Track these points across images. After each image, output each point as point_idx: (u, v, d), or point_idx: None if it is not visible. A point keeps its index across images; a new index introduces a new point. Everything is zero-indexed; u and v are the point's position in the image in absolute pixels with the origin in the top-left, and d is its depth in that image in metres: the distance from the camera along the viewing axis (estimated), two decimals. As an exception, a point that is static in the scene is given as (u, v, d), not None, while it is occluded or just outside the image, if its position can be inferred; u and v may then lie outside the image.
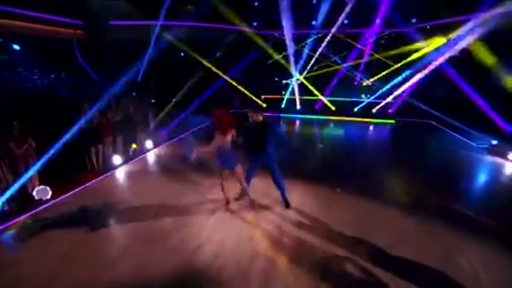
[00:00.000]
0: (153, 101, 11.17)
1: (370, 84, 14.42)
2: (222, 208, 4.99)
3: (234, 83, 12.97)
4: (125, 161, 7.09)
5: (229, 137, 4.55)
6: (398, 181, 6.17)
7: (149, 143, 8.13)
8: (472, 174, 6.86)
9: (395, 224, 4.57)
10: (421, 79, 11.32)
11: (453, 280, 3.39)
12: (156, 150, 8.17)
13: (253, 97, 13.26)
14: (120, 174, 6.60)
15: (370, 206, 5.07)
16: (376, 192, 5.61)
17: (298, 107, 12.80)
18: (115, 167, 6.76)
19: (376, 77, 14.18)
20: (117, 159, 6.86)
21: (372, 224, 4.53)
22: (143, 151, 7.93)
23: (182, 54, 13.78)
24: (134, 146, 7.64)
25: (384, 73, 13.83)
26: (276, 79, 15.08)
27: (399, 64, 12.60)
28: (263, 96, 13.71)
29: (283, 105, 13.06)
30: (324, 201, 5.23)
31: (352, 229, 4.37)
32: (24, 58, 10.06)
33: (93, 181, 6.05)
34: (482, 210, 4.98)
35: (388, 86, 12.03)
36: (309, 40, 14.08)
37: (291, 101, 12.95)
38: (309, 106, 12.77)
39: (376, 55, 13.63)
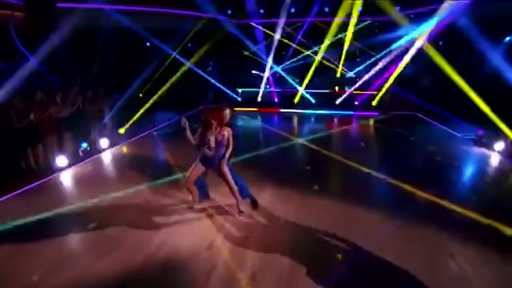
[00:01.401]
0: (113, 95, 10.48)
1: (353, 76, 14.31)
2: (183, 211, 4.49)
3: (206, 75, 12.41)
4: (73, 163, 6.41)
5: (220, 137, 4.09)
6: (380, 179, 5.86)
7: (104, 142, 7.47)
8: (458, 167, 6.65)
9: (378, 227, 4.20)
10: (405, 68, 11.25)
11: (441, 285, 3.06)
12: (113, 150, 7.51)
13: (227, 91, 12.75)
14: (65, 176, 5.92)
15: (350, 208, 4.67)
16: (356, 192, 5.26)
17: (276, 100, 12.42)
18: (60, 169, 6.07)
19: (358, 68, 14.10)
20: (62, 160, 6.17)
21: (351, 228, 4.13)
22: (97, 151, 7.26)
23: (147, 44, 13.11)
24: (85, 145, 6.95)
25: (367, 63, 13.76)
26: (254, 71, 14.68)
27: (382, 53, 12.53)
28: (240, 90, 13.26)
29: (259, 99, 12.63)
30: (298, 204, 4.82)
31: (329, 234, 3.97)
32: None
33: (29, 185, 5.35)
34: (470, 205, 4.71)
35: (367, 76, 11.89)
36: (287, 29, 13.82)
37: (268, 94, 12.55)
38: (288, 99, 12.41)
39: (358, 45, 13.53)
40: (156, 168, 6.23)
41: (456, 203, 4.73)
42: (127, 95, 10.56)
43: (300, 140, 8.45)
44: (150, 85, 11.16)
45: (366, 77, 12.02)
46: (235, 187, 4.28)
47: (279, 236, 3.92)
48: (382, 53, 12.37)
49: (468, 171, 6.52)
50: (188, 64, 11.86)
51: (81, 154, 6.82)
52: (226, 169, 4.22)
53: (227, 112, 4.17)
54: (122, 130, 8.16)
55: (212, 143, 4.09)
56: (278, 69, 13.26)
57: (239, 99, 12.84)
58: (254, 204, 4.58)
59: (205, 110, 4.23)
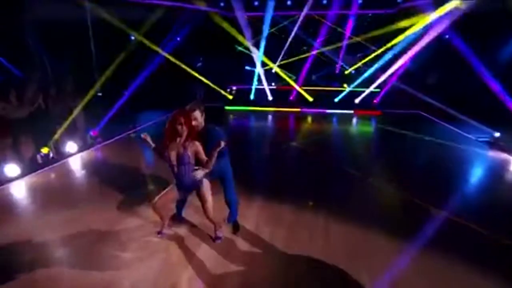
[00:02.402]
0: (99, 94, 9.54)
1: (352, 72, 13.47)
2: (148, 236, 3.62)
3: (194, 72, 11.47)
4: (27, 172, 5.49)
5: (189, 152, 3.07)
6: (384, 193, 4.99)
7: (72, 146, 6.54)
8: (471, 175, 5.82)
9: (387, 256, 3.36)
10: (408, 64, 10.39)
11: None
12: (82, 155, 6.59)
13: (218, 88, 11.83)
14: (11, 190, 5.00)
15: (351, 230, 3.84)
16: (358, 209, 4.41)
17: (270, 98, 11.50)
18: (8, 181, 5.15)
19: (358, 64, 13.24)
20: (11, 169, 5.24)
21: (354, 257, 3.30)
22: (63, 156, 6.33)
23: (132, 37, 12.12)
24: (45, 150, 6.03)
25: (367, 58, 12.91)
26: (247, 67, 13.80)
27: (383, 48, 11.67)
28: (233, 87, 12.35)
29: (252, 97, 11.71)
30: (289, 224, 3.95)
31: (326, 266, 3.12)
32: None
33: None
34: (487, 224, 3.88)
35: (369, 72, 11.03)
36: (283, 23, 12.97)
37: (262, 92, 11.62)
38: (283, 97, 11.49)
39: (358, 39, 12.65)
40: (127, 178, 5.32)
41: (476, 222, 3.90)
42: (106, 93, 9.69)
43: (299, 142, 7.57)
44: (133, 81, 10.19)
45: (367, 73, 11.13)
46: (210, 211, 3.34)
47: (263, 273, 3.04)
48: (383, 47, 11.52)
49: (484, 180, 5.63)
50: (175, 59, 10.92)
51: (40, 161, 5.89)
52: (205, 191, 3.25)
53: (197, 114, 3.21)
54: (95, 132, 7.22)
55: (173, 159, 3.10)
56: (273, 65, 12.36)
57: (229, 97, 11.90)
58: (236, 228, 3.73)
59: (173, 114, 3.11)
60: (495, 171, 5.92)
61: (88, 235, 3.69)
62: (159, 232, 3.63)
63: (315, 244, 3.53)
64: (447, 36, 10.57)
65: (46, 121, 6.25)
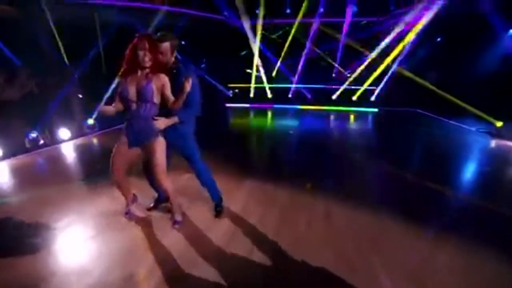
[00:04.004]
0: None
1: (348, 76, 12.74)
2: (111, 219, 2.83)
3: (199, 71, 10.81)
4: (11, 155, 4.75)
5: (153, 88, 2.29)
6: (386, 175, 4.18)
7: (64, 133, 5.81)
8: (474, 158, 5.02)
9: (393, 238, 2.55)
10: (403, 62, 9.63)
11: None
12: (74, 142, 5.84)
13: (220, 87, 11.15)
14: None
15: (355, 213, 3.04)
16: (361, 191, 3.64)
17: (269, 96, 10.77)
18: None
19: (357, 71, 12.53)
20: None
21: (360, 241, 2.49)
22: (54, 142, 5.60)
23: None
24: (34, 135, 5.30)
25: (364, 65, 12.20)
26: (248, 70, 13.12)
27: (376, 52, 10.91)
28: (236, 90, 11.64)
29: (251, 95, 10.98)
30: (285, 206, 3.15)
31: (330, 252, 2.32)
32: None
33: None
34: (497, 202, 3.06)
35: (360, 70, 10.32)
36: (281, 31, 12.40)
37: (261, 90, 10.90)
38: (282, 95, 10.75)
39: (353, 44, 11.96)
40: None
41: (483, 199, 3.12)
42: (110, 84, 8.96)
43: (295, 135, 6.77)
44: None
45: (358, 71, 10.37)
46: (163, 178, 2.48)
47: (245, 263, 2.24)
48: (376, 49, 10.79)
49: (488, 171, 4.78)
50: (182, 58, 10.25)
51: (28, 145, 5.16)
52: (159, 147, 2.41)
53: (167, 45, 2.35)
54: (91, 120, 6.48)
55: (132, 95, 2.28)
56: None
57: (230, 95, 11.21)
58: (218, 210, 2.90)
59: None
60: (498, 156, 5.10)
61: (47, 217, 2.92)
62: (127, 212, 2.82)
63: (315, 228, 2.73)
64: (438, 39, 9.89)
65: (40, 105, 5.56)
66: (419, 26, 8.89)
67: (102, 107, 2.41)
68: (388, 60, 9.82)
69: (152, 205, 3.01)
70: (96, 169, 4.17)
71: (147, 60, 2.22)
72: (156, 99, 2.32)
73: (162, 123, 2.37)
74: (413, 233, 2.64)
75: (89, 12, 8.42)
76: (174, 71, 2.43)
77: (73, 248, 2.42)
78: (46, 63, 7.02)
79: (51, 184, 3.69)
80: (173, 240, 2.51)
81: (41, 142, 5.41)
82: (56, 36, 7.00)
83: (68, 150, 5.40)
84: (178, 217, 2.73)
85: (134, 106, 2.31)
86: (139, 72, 2.28)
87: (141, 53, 2.20)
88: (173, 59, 2.46)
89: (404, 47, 9.38)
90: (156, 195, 3.01)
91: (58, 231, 2.66)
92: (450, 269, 2.18)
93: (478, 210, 3.11)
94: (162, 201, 2.99)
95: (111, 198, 3.19)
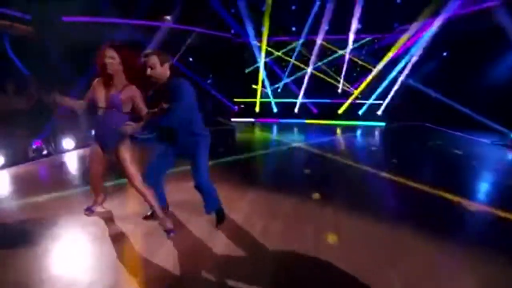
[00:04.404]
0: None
1: (352, 91, 12.67)
2: (108, 228, 2.63)
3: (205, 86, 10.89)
4: (13, 163, 4.67)
5: (120, 95, 2.32)
6: (398, 186, 3.91)
7: (68, 143, 5.75)
8: (488, 168, 4.71)
9: (410, 251, 2.28)
10: (409, 75, 9.51)
11: None
12: (77, 152, 5.75)
13: (226, 102, 11.15)
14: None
15: (366, 225, 2.78)
16: (372, 202, 3.38)
17: (275, 110, 10.68)
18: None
19: (361, 86, 12.47)
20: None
21: (374, 253, 2.23)
22: (58, 151, 5.52)
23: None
24: (37, 144, 5.23)
25: (368, 79, 12.15)
26: (254, 86, 13.18)
27: (380, 66, 10.86)
28: (242, 106, 11.63)
29: (257, 109, 10.92)
30: (289, 217, 2.91)
31: (341, 266, 2.06)
32: None
33: None
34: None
35: (365, 85, 10.23)
36: (288, 47, 12.53)
37: (267, 105, 10.85)
38: (287, 109, 10.66)
39: (358, 60, 11.98)
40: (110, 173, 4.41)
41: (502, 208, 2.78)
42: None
43: (303, 147, 6.57)
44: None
45: (363, 85, 10.29)
46: (137, 181, 2.41)
47: (250, 281, 2.00)
48: (381, 65, 10.75)
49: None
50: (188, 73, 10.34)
51: (31, 154, 5.08)
52: (126, 153, 2.42)
53: (154, 58, 2.24)
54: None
55: (101, 101, 2.31)
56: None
57: (236, 110, 11.18)
58: (220, 218, 2.69)
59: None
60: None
61: (47, 222, 2.74)
62: (87, 208, 2.80)
63: (323, 240, 2.47)
64: (444, 54, 9.81)
65: (45, 116, 5.54)
66: (423, 39, 8.90)
67: (64, 98, 2.39)
68: (394, 73, 9.75)
69: (149, 213, 2.81)
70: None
71: (113, 68, 2.25)
72: (124, 109, 2.34)
73: (129, 129, 2.23)
74: (432, 247, 2.37)
75: (99, 30, 8.67)
76: (168, 85, 2.32)
77: (63, 257, 2.22)
78: (55, 75, 7.14)
79: (48, 192, 3.54)
80: (170, 251, 2.28)
81: (45, 151, 5.34)
82: (66, 50, 7.16)
83: (71, 160, 5.30)
84: (169, 225, 2.53)
85: (101, 112, 2.34)
86: (114, 80, 2.31)
87: (108, 62, 2.23)
88: (167, 73, 2.33)
89: (409, 60, 9.32)
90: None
91: (50, 239, 2.47)
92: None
93: (503, 224, 2.81)
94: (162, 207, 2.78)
95: (108, 207, 3.01)
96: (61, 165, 4.98)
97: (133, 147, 2.50)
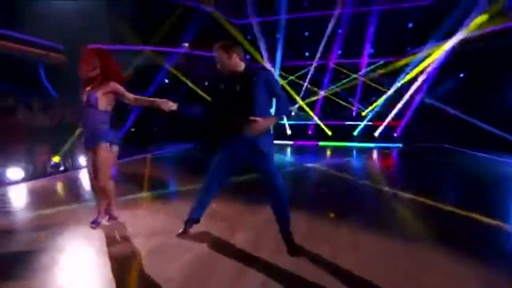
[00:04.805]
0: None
1: (367, 113, 12.52)
2: (115, 244, 2.52)
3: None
4: (31, 177, 4.75)
5: (100, 95, 2.50)
6: (418, 205, 3.60)
7: (84, 160, 5.84)
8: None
9: (430, 274, 2.00)
10: (424, 97, 9.31)
11: None
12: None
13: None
14: (12, 190, 4.21)
15: (387, 245, 2.53)
16: (391, 221, 3.13)
17: (289, 132, 10.61)
18: (9, 183, 4.41)
19: (374, 105, 12.33)
20: (13, 172, 4.53)
21: (397, 274, 1.98)
22: (74, 167, 5.61)
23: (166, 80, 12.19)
24: (56, 159, 5.35)
25: (382, 99, 12.02)
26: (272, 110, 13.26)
27: (395, 87, 10.73)
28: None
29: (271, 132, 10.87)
30: (304, 236, 2.69)
31: (361, 285, 1.83)
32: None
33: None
34: None
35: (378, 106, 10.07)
36: (302, 71, 12.76)
37: (280, 126, 10.80)
38: (301, 131, 10.55)
39: (372, 82, 11.97)
40: (123, 188, 4.38)
41: None
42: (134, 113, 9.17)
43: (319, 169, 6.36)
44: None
45: (376, 105, 10.16)
46: (104, 177, 2.58)
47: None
48: (395, 86, 10.63)
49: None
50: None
51: (50, 169, 5.18)
52: (102, 152, 2.52)
53: (220, 52, 2.24)
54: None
55: (84, 101, 2.52)
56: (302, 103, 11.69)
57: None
58: (292, 247, 2.34)
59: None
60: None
61: (57, 234, 2.67)
62: (93, 221, 2.76)
63: (341, 259, 2.24)
64: (461, 75, 9.61)
65: (68, 133, 5.71)
66: (436, 57, 8.81)
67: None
68: (410, 94, 9.57)
69: (182, 230, 2.54)
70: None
71: (91, 70, 2.47)
72: (101, 106, 2.48)
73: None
74: (458, 268, 2.08)
75: (121, 56, 9.13)
76: (243, 74, 2.27)
77: (66, 271, 2.11)
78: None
79: (59, 205, 3.51)
80: (178, 268, 2.12)
81: (62, 167, 5.43)
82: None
83: (86, 175, 5.34)
84: (99, 219, 2.76)
85: (84, 111, 2.49)
86: (96, 81, 2.51)
87: (86, 65, 2.46)
88: (238, 62, 2.25)
89: (424, 79, 9.18)
90: (185, 217, 2.58)
91: (56, 252, 2.38)
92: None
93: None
94: (194, 220, 2.56)
95: (118, 221, 2.92)
96: (76, 180, 5.02)
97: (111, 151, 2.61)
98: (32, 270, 2.09)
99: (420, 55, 9.58)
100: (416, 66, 9.51)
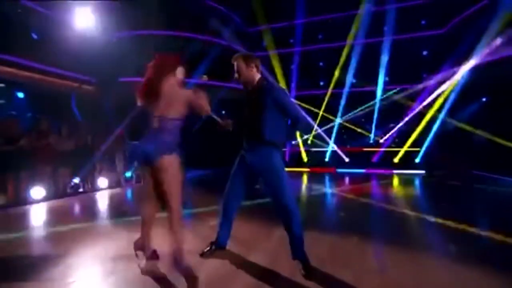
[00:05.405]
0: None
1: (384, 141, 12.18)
2: (120, 265, 2.41)
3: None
4: (52, 197, 4.84)
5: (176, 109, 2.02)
6: (443, 229, 3.26)
7: (103, 182, 5.94)
8: None
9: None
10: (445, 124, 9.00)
11: None
12: (111, 191, 5.87)
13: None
14: (34, 208, 4.27)
15: (413, 270, 2.25)
16: (417, 246, 2.85)
17: (305, 159, 10.42)
18: (30, 202, 4.50)
19: (390, 132, 12.04)
20: (37, 192, 4.64)
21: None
22: (92, 189, 5.70)
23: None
24: (76, 180, 5.47)
25: (399, 125, 11.74)
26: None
27: (411, 114, 10.47)
28: None
29: (286, 159, 10.76)
30: (323, 259, 2.47)
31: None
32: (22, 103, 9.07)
33: None
34: None
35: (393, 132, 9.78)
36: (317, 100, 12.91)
37: (296, 154, 10.65)
38: (318, 158, 10.33)
39: (388, 109, 11.80)
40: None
41: None
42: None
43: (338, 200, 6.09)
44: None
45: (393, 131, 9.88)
46: (178, 213, 1.96)
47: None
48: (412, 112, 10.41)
49: None
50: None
51: (69, 190, 5.28)
52: (169, 169, 1.92)
53: (238, 63, 2.21)
54: (129, 173, 6.65)
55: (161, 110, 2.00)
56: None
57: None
58: (307, 269, 2.13)
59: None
60: None
61: (68, 253, 2.62)
62: (140, 264, 2.14)
63: (367, 283, 2.00)
64: (484, 99, 9.31)
65: (89, 156, 5.90)
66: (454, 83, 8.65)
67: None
68: (427, 119, 9.29)
69: (207, 249, 2.42)
70: (119, 212, 3.96)
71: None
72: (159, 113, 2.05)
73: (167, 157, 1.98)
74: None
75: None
76: (256, 89, 2.24)
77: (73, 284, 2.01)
78: (104, 124, 7.82)
79: (74, 223, 3.50)
80: None
81: (81, 189, 5.53)
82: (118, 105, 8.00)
83: (103, 197, 5.39)
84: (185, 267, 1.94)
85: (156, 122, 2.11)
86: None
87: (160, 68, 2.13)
88: (254, 75, 2.23)
89: (442, 104, 8.96)
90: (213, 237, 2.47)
91: (67, 268, 2.31)
92: None
93: None
94: (222, 247, 2.44)
95: (124, 242, 2.84)
96: (94, 201, 5.07)
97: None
98: (40, 280, 2.01)
99: (435, 81, 9.50)
100: (432, 91, 9.38)
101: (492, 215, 4.12)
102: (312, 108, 12.36)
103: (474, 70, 8.08)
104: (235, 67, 2.23)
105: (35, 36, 7.39)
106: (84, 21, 7.45)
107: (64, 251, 2.58)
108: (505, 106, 7.88)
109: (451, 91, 8.81)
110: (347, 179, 8.15)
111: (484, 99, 9.24)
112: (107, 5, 8.33)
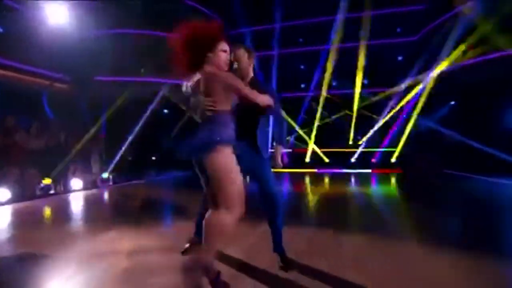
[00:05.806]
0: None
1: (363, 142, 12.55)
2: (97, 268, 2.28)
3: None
4: (18, 199, 4.53)
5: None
6: (439, 224, 3.39)
7: (76, 183, 5.65)
8: None
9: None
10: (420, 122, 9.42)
11: None
12: (83, 193, 5.58)
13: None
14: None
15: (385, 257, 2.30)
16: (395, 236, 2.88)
17: (286, 160, 10.51)
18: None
19: (368, 135, 12.43)
20: (1, 194, 4.33)
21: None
22: (65, 191, 5.39)
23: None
24: (47, 181, 5.17)
25: (376, 127, 12.15)
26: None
27: (388, 115, 10.89)
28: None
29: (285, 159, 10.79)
30: (302, 252, 2.48)
31: None
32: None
33: None
34: None
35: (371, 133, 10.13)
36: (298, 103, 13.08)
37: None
38: (299, 159, 10.46)
39: (365, 112, 12.20)
40: (118, 216, 4.16)
41: None
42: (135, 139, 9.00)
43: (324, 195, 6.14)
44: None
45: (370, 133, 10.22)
46: (224, 218, 1.64)
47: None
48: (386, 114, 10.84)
49: None
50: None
51: (38, 191, 4.97)
52: (218, 162, 1.58)
53: (234, 51, 1.99)
54: (106, 174, 6.38)
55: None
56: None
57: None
58: (285, 262, 2.12)
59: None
60: None
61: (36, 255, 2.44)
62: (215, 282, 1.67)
63: (342, 274, 2.01)
64: (452, 103, 9.85)
65: (61, 155, 5.61)
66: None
67: None
68: (399, 121, 9.68)
69: (187, 246, 2.36)
70: (94, 216, 3.77)
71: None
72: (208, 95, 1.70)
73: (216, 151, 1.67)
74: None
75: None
76: (254, 83, 2.10)
77: None
78: (79, 124, 7.47)
79: (43, 227, 3.29)
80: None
81: (52, 190, 5.23)
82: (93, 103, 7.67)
83: (76, 200, 5.11)
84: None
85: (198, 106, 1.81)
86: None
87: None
88: (250, 70, 2.17)
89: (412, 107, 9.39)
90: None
91: (37, 271, 2.15)
92: None
93: None
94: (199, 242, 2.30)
95: (99, 243, 2.70)
96: (65, 203, 4.79)
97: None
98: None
99: (406, 85, 9.96)
100: (404, 95, 9.81)
101: (460, 203, 4.33)
102: (293, 110, 12.53)
103: (444, 74, 8.53)
104: (236, 57, 2.10)
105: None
106: (58, 17, 7.09)
107: (24, 256, 2.41)
108: (473, 109, 8.36)
109: (422, 95, 9.26)
110: (327, 179, 8.28)
111: (452, 103, 9.78)
112: (85, 3, 7.99)
